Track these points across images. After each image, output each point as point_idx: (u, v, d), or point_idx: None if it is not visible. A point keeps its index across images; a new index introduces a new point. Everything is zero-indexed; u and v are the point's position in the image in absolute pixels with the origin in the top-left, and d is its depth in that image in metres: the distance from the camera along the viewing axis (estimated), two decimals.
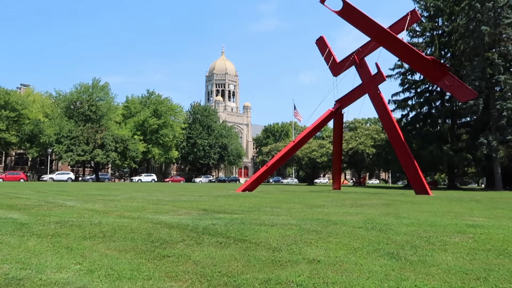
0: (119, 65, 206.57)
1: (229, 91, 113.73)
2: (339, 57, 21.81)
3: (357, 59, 20.50)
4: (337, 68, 21.32)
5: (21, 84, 76.16)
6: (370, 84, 20.12)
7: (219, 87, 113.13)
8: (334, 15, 17.06)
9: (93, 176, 55.72)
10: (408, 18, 18.49)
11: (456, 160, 33.04)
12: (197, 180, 72.76)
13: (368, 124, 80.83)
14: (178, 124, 72.51)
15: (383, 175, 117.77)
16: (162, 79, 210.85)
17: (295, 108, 51.34)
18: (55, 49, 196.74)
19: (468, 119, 34.96)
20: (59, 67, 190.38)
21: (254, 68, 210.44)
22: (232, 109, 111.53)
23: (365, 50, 20.31)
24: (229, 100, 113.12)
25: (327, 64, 21.74)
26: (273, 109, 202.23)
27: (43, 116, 58.99)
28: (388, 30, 17.64)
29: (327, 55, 21.80)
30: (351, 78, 20.47)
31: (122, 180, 74.71)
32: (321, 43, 22.26)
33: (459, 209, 9.38)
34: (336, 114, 21.52)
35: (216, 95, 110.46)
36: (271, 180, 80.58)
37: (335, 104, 21.60)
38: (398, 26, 18.84)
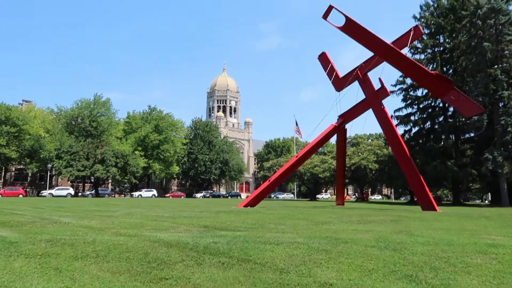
0: (121, 83, 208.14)
1: (231, 107, 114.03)
2: (341, 73, 21.67)
3: (360, 74, 20.34)
4: (340, 83, 21.15)
5: (23, 100, 76.28)
6: (373, 99, 19.90)
7: (220, 103, 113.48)
8: (335, 32, 17.00)
9: (93, 191, 55.21)
10: (412, 34, 18.38)
11: (460, 176, 32.57)
12: (198, 195, 72.08)
13: (370, 140, 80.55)
14: (179, 140, 72.31)
15: (385, 190, 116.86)
16: (164, 96, 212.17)
17: (296, 124, 51.15)
18: (57, 66, 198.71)
19: (472, 134, 34.62)
20: (61, 84, 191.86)
21: (256, 85, 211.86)
22: (233, 124, 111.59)
23: (368, 65, 20.16)
24: (230, 116, 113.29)
25: (330, 79, 21.59)
26: (274, 125, 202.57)
27: (44, 132, 58.84)
28: (392, 45, 17.51)
29: (330, 70, 21.67)
30: (354, 94, 20.39)
31: (123, 195, 74.11)
32: (324, 59, 22.17)
33: (472, 227, 8.97)
34: (339, 129, 21.25)
35: (218, 111, 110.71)
36: (273, 196, 79.83)
37: (338, 119, 21.35)
38: (401, 41, 18.72)
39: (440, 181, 36.94)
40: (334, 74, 21.33)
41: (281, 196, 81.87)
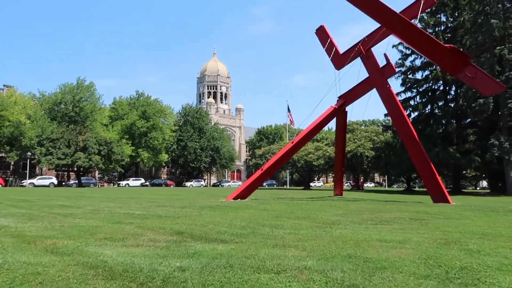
0: (110, 68, 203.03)
1: (221, 93, 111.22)
2: (342, 50, 19.51)
3: (363, 50, 18.20)
4: (340, 60, 18.99)
5: (4, 85, 72.90)
6: (378, 77, 17.83)
7: (211, 89, 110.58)
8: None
9: (77, 181, 52.72)
10: (422, 2, 16.22)
11: (464, 163, 30.87)
12: (188, 184, 69.92)
13: (363, 126, 78.85)
14: (168, 127, 69.77)
15: (376, 178, 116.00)
16: (154, 82, 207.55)
17: (289, 110, 49.00)
18: (43, 50, 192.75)
19: (476, 119, 32.83)
20: (47, 70, 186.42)
21: (247, 70, 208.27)
22: (224, 111, 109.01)
23: (373, 39, 18.01)
24: (221, 102, 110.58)
25: (329, 56, 19.42)
26: (267, 111, 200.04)
27: (25, 118, 55.94)
28: (401, 15, 15.37)
29: (329, 46, 19.49)
30: (355, 73, 18.24)
31: (112, 184, 71.78)
32: (322, 33, 19.95)
33: None
34: (339, 111, 19.19)
35: (208, 97, 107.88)
36: (264, 184, 77.79)
37: (338, 101, 19.28)
38: (411, 10, 16.59)
39: (441, 168, 35.28)
40: (334, 50, 19.16)
41: (265, 184, 79.49)
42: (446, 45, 15.53)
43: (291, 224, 7.61)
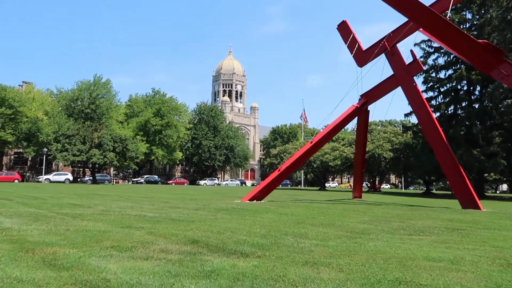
0: (126, 66, 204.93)
1: (236, 91, 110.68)
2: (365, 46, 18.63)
3: (388, 46, 17.30)
4: (363, 57, 18.13)
5: (23, 82, 73.90)
6: (403, 75, 16.91)
7: (226, 87, 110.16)
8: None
9: (92, 177, 52.89)
10: None
11: (489, 166, 29.53)
12: (202, 182, 69.64)
13: (379, 127, 77.26)
14: (183, 124, 69.59)
15: (392, 179, 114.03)
16: (169, 80, 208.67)
17: (304, 110, 47.88)
18: (62, 48, 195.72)
19: (502, 120, 31.36)
20: (64, 68, 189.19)
21: (262, 70, 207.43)
22: (239, 109, 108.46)
23: (398, 35, 17.10)
24: (236, 101, 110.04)
25: (351, 53, 18.58)
26: (281, 111, 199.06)
27: (43, 114, 56.47)
28: (430, 8, 14.44)
29: (351, 42, 18.62)
30: (377, 71, 17.31)
31: (126, 181, 72.06)
32: (344, 29, 19.09)
33: None
34: (361, 110, 18.32)
35: (223, 96, 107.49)
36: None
37: (360, 99, 18.41)
38: (440, 4, 15.66)
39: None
40: (356, 46, 18.30)
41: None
42: (480, 40, 14.55)
43: (316, 232, 6.89)
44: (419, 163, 34.10)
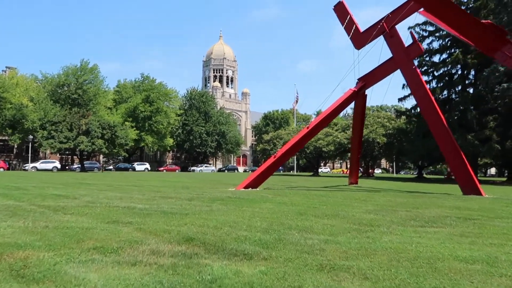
0: (114, 52, 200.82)
1: (227, 76, 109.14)
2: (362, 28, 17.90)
3: (386, 28, 16.60)
4: (360, 39, 17.42)
5: (6, 67, 71.58)
6: (403, 57, 16.28)
7: (216, 72, 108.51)
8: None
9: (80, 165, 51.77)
10: None
11: (483, 151, 29.30)
12: (197, 169, 68.38)
13: (372, 112, 76.92)
14: (173, 110, 68.39)
15: (383, 164, 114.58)
16: (159, 66, 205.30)
17: (297, 95, 47.08)
18: (47, 32, 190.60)
19: (496, 105, 31.02)
20: (50, 53, 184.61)
21: (253, 55, 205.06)
22: (230, 95, 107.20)
23: (397, 16, 16.39)
24: (227, 86, 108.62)
25: (348, 35, 17.84)
26: (272, 97, 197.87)
27: (28, 100, 54.77)
28: None
29: (348, 24, 17.87)
30: (375, 55, 16.53)
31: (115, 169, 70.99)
32: (340, 10, 18.30)
33: None
34: (358, 94, 17.71)
35: (214, 81, 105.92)
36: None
37: (357, 83, 17.77)
38: None
39: None
40: (354, 28, 17.57)
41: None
42: (483, 21, 13.95)
43: (322, 226, 6.31)
44: (413, 148, 33.83)
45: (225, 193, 12.51)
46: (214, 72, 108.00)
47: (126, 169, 59.49)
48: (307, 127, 16.62)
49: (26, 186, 15.36)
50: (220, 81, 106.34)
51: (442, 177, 55.77)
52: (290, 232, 5.67)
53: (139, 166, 61.67)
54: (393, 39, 16.53)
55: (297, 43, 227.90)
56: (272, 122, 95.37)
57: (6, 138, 60.90)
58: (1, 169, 45.22)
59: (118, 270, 3.56)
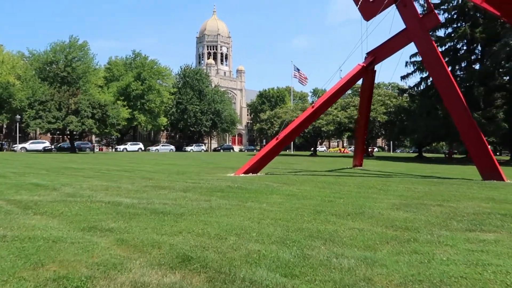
0: (106, 29, 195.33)
1: (222, 53, 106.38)
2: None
3: None
4: (370, 9, 15.84)
5: None
6: (417, 28, 14.80)
7: (210, 49, 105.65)
8: None
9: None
10: None
11: (491, 130, 28.16)
12: (188, 148, 67.58)
13: None
14: (166, 89, 66.44)
15: (379, 142, 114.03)
16: (152, 43, 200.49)
17: (298, 70, 45.41)
18: (34, 9, 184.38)
19: (504, 82, 29.72)
20: (38, 30, 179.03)
21: (247, 32, 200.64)
22: (224, 73, 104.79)
23: None
24: (222, 64, 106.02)
25: (356, 4, 16.25)
26: (267, 74, 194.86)
27: (15, 79, 52.58)
28: None
29: None
30: (384, 28, 14.80)
31: (110, 148, 69.47)
32: None
33: None
34: (367, 70, 16.30)
35: (208, 58, 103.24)
36: (188, 149, 69.09)
37: (366, 58, 16.33)
38: None
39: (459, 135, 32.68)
40: None
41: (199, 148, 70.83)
42: None
43: (349, 231, 5.09)
44: (416, 127, 32.66)
45: (224, 181, 11.25)
46: (208, 49, 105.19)
47: (72, 150, 45.10)
48: (312, 107, 15.28)
49: (5, 173, 13.99)
50: (214, 58, 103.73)
51: (441, 156, 54.98)
52: (314, 243, 4.44)
53: (132, 146, 60.19)
54: (406, 9, 15.00)
55: (292, 19, 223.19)
56: (268, 100, 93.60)
57: None
58: None
59: None
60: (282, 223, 5.51)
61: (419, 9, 35.06)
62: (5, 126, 64.14)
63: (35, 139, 60.80)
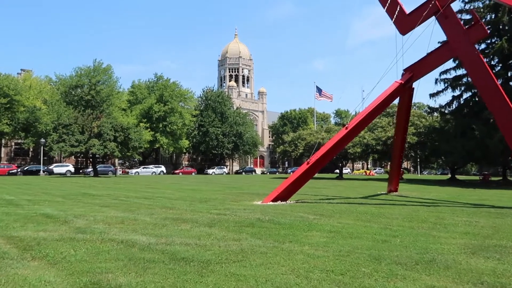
0: (128, 54, 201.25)
1: (243, 76, 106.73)
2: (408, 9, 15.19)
3: (439, 6, 13.85)
4: (406, 22, 14.67)
5: (21, 70, 71.00)
6: (461, 41, 13.49)
7: (232, 72, 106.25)
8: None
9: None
10: None
11: None
12: (210, 171, 66.85)
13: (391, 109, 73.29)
14: (188, 111, 66.48)
15: (404, 164, 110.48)
16: (173, 67, 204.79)
17: (320, 91, 44.42)
18: (63, 36, 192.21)
19: None
20: (66, 56, 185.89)
21: (267, 54, 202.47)
22: (246, 95, 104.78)
23: None
24: (243, 86, 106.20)
25: (391, 19, 15.12)
26: (288, 96, 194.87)
27: (42, 103, 53.67)
28: None
29: (391, 5, 15.14)
30: (420, 44, 13.88)
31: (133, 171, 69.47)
32: None
33: None
34: (405, 88, 15.00)
35: (229, 81, 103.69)
36: (289, 171, 72.78)
37: (403, 75, 15.06)
38: None
39: (498, 157, 30.57)
40: (398, 9, 14.84)
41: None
42: None
43: None
44: (451, 148, 30.72)
45: (252, 212, 10.03)
46: (229, 72, 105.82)
47: (36, 173, 46.20)
48: (346, 128, 14.02)
49: (19, 200, 13.23)
50: (236, 81, 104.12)
51: (474, 178, 52.08)
52: None
53: (154, 169, 59.77)
54: (448, 20, 13.76)
55: (312, 41, 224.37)
56: (290, 121, 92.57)
57: (21, 141, 60.06)
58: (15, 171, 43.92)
59: None
60: (337, 278, 4.25)
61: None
62: (31, 149, 65.26)
63: (59, 162, 61.46)
